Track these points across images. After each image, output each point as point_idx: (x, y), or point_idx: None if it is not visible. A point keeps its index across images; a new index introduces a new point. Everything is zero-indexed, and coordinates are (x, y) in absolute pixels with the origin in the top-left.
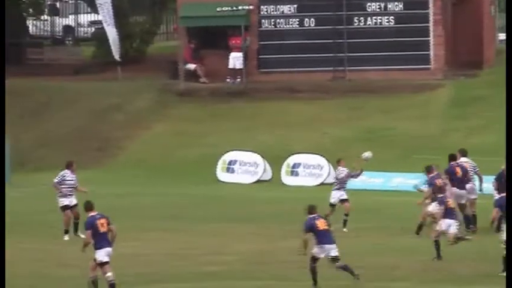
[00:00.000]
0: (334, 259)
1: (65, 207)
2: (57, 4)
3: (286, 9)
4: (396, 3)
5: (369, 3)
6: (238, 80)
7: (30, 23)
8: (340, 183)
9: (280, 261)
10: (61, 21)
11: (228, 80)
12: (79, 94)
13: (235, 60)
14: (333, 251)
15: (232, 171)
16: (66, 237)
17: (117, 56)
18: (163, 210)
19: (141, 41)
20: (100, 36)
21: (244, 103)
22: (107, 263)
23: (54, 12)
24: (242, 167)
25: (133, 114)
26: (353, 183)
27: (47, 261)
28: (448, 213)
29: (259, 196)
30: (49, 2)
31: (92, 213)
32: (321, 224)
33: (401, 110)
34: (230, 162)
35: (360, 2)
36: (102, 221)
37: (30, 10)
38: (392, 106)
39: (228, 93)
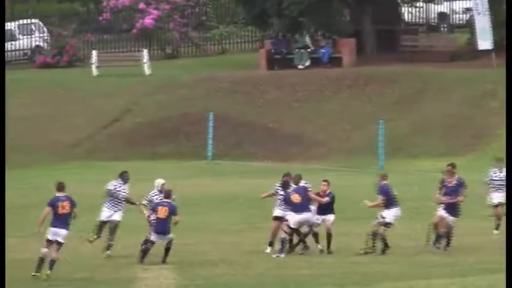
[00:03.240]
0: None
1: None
2: None
3: None
4: None
5: None
6: None
7: (405, 10)
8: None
9: None
10: (436, 8)
11: None
12: (454, 81)
13: None
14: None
15: None
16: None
17: (483, 45)
18: None
19: None
20: (474, 23)
21: None
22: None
23: None
24: None
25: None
26: None
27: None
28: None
29: None
30: None
31: (58, 194)
32: (160, 212)
33: None
34: None
35: None
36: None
37: None
38: None
39: None
